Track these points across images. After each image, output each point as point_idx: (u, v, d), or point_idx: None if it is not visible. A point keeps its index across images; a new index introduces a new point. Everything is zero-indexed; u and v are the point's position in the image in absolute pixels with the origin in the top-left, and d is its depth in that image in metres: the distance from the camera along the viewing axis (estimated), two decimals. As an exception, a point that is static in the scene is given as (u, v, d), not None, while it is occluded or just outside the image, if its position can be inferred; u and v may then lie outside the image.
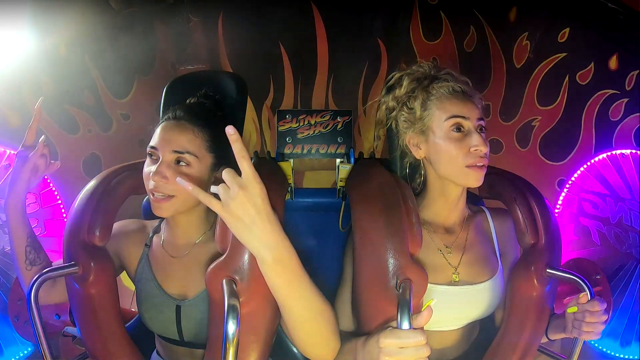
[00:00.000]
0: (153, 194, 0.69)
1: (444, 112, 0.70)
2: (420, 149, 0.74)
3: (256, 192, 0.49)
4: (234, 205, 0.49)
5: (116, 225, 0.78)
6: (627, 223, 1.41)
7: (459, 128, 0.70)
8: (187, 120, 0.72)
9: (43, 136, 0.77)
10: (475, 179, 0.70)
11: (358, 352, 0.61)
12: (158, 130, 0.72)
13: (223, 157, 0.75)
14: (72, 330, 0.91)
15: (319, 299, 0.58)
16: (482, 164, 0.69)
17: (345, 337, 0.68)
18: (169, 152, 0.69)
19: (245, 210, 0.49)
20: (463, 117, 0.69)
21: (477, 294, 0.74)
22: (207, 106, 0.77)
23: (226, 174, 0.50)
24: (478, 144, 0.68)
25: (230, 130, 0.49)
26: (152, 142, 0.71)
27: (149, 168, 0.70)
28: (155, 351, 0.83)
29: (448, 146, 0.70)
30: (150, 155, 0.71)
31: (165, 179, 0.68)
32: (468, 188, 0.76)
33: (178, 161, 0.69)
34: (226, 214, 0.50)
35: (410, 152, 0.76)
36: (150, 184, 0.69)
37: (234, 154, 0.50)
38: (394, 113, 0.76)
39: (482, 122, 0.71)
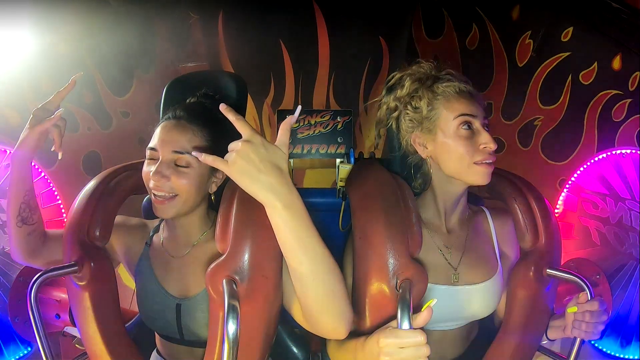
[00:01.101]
0: (155, 195, 0.69)
1: (451, 111, 0.71)
2: (427, 148, 0.74)
3: (258, 142, 0.51)
4: (237, 158, 0.50)
5: (118, 218, 0.78)
6: (627, 223, 1.40)
7: (468, 126, 0.70)
8: (187, 120, 0.71)
9: (62, 108, 0.75)
10: (484, 176, 0.70)
11: (358, 351, 0.61)
12: (158, 131, 0.71)
13: (223, 156, 0.75)
14: (72, 330, 0.92)
15: (328, 254, 0.55)
16: (490, 160, 0.70)
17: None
18: (168, 152, 0.69)
19: (249, 160, 0.50)
20: (471, 116, 0.70)
21: (477, 293, 0.74)
22: (207, 106, 0.77)
23: (231, 143, 0.52)
24: (487, 141, 0.69)
25: (223, 106, 0.52)
26: (152, 143, 0.71)
27: (148, 168, 0.70)
28: (155, 350, 0.83)
29: (457, 144, 0.70)
30: (149, 155, 0.71)
31: (166, 179, 0.68)
32: (469, 188, 0.76)
33: (177, 161, 0.69)
34: (231, 168, 0.51)
35: (416, 151, 0.76)
36: (150, 184, 0.69)
37: (231, 122, 0.52)
38: (395, 113, 0.76)
39: (486, 121, 0.72)
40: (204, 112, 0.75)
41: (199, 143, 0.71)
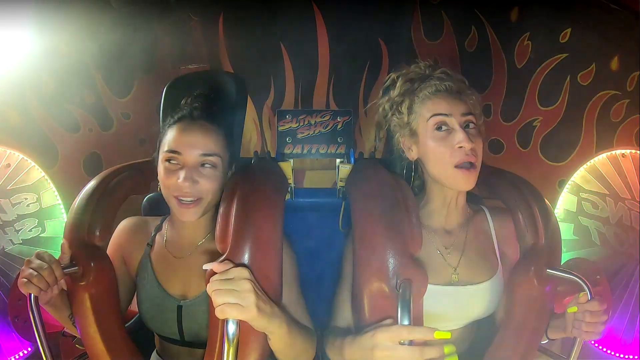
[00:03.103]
0: (180, 199, 0.68)
1: (426, 111, 0.70)
2: (412, 151, 0.74)
3: (249, 274, 0.57)
4: (252, 296, 0.55)
5: (119, 231, 0.78)
6: (627, 223, 1.40)
7: (440, 126, 0.69)
8: (206, 120, 0.71)
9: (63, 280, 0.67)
10: (465, 182, 0.68)
11: (344, 348, 0.61)
12: (175, 133, 0.69)
13: (234, 155, 0.76)
14: (72, 330, 0.91)
15: (302, 331, 0.67)
16: (469, 161, 0.68)
17: (335, 333, 0.69)
18: (195, 155, 0.67)
19: (252, 295, 0.55)
20: (444, 115, 0.68)
21: (477, 294, 0.74)
22: (219, 104, 0.77)
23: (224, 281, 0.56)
24: (461, 140, 0.67)
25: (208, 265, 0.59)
26: (173, 146, 0.68)
27: (173, 174, 0.67)
28: (155, 351, 0.83)
29: (434, 146, 0.69)
30: (170, 159, 0.68)
31: (196, 183, 0.67)
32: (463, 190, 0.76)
33: (203, 163, 0.68)
34: (254, 309, 0.56)
35: (404, 153, 0.76)
36: (177, 190, 0.67)
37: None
38: (388, 116, 0.76)
39: (469, 117, 0.69)
40: (217, 111, 0.75)
41: (222, 143, 0.71)
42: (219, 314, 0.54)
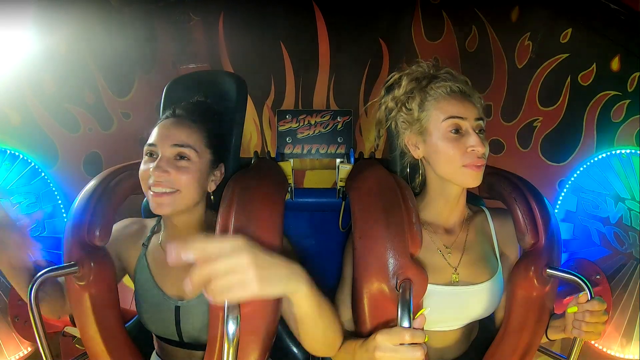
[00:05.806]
0: (154, 191, 0.68)
1: (441, 112, 0.70)
2: (419, 149, 0.74)
3: (247, 245, 0.47)
4: (251, 268, 0.46)
5: (115, 227, 0.78)
6: (627, 223, 1.40)
7: (456, 129, 0.70)
8: (186, 117, 0.72)
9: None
10: (473, 179, 0.70)
11: (356, 350, 0.61)
12: (156, 129, 0.71)
13: (220, 154, 0.75)
14: (72, 330, 0.91)
15: (331, 304, 0.62)
16: (479, 164, 0.69)
17: (345, 337, 0.68)
18: (168, 146, 0.69)
19: (251, 268, 0.46)
20: (460, 118, 0.69)
21: (477, 294, 0.74)
22: (205, 105, 0.77)
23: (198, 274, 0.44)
24: (475, 145, 0.68)
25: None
26: (151, 140, 0.70)
27: (147, 165, 0.69)
28: (155, 351, 0.83)
29: (445, 147, 0.70)
30: (149, 153, 0.70)
31: (166, 173, 0.67)
32: (468, 188, 0.76)
33: (177, 156, 0.69)
34: (255, 283, 0.46)
35: (409, 151, 0.76)
36: (150, 180, 0.68)
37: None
38: (393, 114, 0.76)
39: (480, 122, 0.71)
40: (202, 110, 0.75)
41: (198, 138, 0.71)
42: (221, 297, 0.46)
